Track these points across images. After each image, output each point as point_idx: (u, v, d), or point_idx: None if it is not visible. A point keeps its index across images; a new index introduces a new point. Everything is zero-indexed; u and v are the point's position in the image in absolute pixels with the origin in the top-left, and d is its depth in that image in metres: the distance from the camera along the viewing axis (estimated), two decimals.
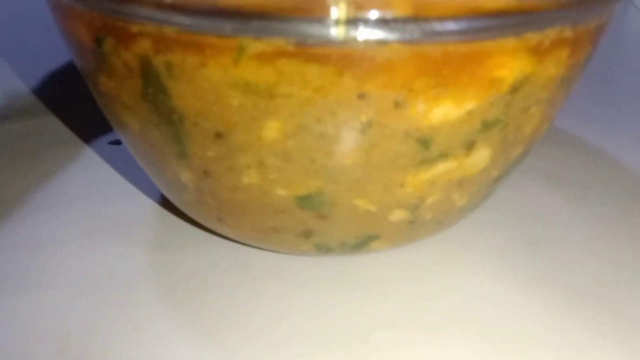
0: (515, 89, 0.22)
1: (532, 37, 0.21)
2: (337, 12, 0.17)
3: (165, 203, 0.34)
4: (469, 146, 0.24)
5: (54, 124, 0.43)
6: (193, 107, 0.22)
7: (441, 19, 0.18)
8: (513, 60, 0.21)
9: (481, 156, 0.25)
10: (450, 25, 0.19)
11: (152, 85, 0.22)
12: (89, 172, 0.37)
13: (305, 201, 0.25)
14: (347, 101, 0.21)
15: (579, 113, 0.47)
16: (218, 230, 0.30)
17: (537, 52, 0.22)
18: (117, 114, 0.26)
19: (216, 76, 0.21)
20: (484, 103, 0.22)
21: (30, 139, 0.41)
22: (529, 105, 0.24)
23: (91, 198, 0.35)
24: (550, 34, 0.21)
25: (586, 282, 0.30)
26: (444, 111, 0.22)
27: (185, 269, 0.30)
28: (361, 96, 0.21)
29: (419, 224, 0.28)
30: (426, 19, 0.18)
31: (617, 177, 0.39)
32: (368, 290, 0.29)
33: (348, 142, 0.22)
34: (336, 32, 0.18)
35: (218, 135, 0.23)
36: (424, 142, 0.23)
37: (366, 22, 0.18)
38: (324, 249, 0.29)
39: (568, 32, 0.22)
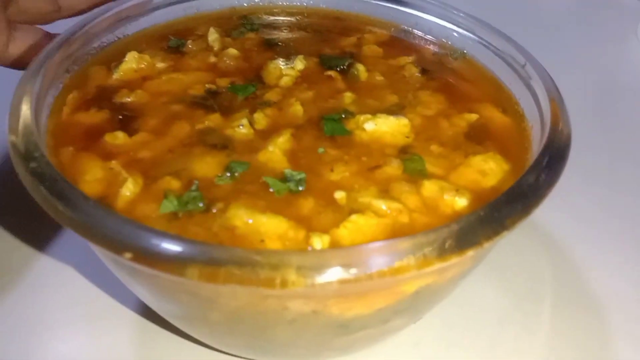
0: (419, 292, 0.27)
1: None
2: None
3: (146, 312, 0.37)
4: (385, 321, 0.29)
5: None
6: (158, 295, 0.27)
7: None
8: (415, 281, 0.26)
9: (397, 323, 0.30)
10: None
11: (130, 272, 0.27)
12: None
13: (251, 349, 0.30)
14: (273, 310, 0.25)
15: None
16: None
17: (438, 272, 0.26)
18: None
19: (169, 284, 0.25)
20: (391, 304, 0.27)
21: None
22: (435, 292, 0.29)
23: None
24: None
25: None
26: (355, 312, 0.26)
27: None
28: (284, 308, 0.25)
29: (353, 351, 0.33)
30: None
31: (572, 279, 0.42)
32: None
33: (278, 329, 0.27)
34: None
35: (177, 315, 0.28)
36: (343, 326, 0.28)
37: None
38: None
39: (471, 253, 0.26)
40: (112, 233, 0.23)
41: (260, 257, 0.23)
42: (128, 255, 0.23)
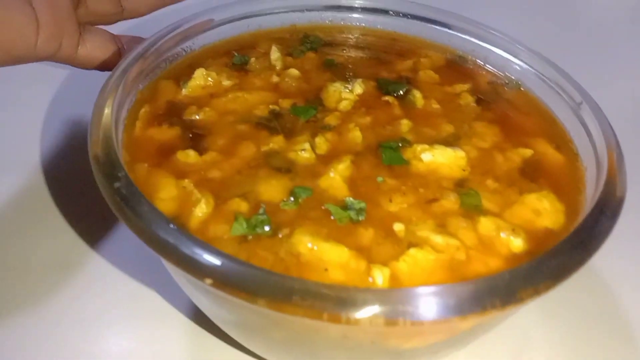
0: (472, 328, 0.28)
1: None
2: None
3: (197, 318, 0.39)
4: (436, 352, 0.30)
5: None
6: (224, 310, 0.29)
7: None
8: (470, 320, 0.27)
9: (446, 352, 0.31)
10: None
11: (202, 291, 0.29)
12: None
13: None
14: (334, 338, 0.27)
15: None
16: None
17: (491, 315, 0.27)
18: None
19: (239, 304, 0.27)
20: (444, 339, 0.28)
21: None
22: (487, 328, 0.30)
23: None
24: None
25: None
26: (412, 344, 0.28)
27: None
28: (344, 337, 0.27)
29: None
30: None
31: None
32: None
33: (336, 352, 0.29)
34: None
35: (237, 328, 0.30)
36: (397, 354, 0.29)
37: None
38: None
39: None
40: (196, 258, 0.25)
41: (328, 291, 0.24)
42: (209, 281, 0.24)
